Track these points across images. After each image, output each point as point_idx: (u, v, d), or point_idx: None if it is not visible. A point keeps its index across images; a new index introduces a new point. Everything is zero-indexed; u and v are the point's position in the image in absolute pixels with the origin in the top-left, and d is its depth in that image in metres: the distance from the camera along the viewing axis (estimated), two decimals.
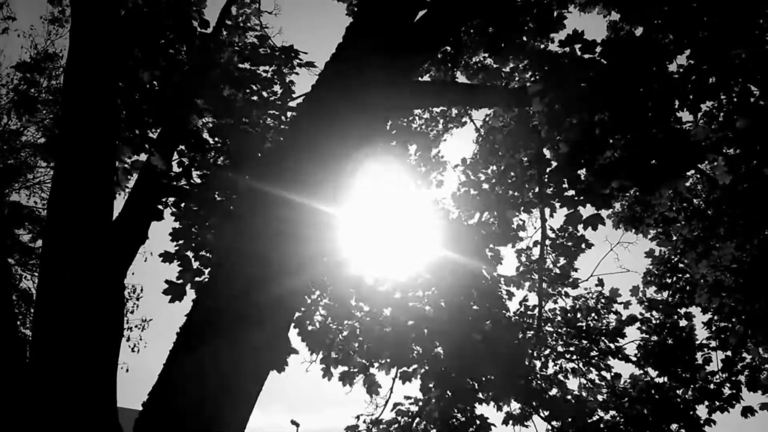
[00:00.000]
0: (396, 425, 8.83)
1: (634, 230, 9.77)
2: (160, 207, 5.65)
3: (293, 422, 31.54)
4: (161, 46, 5.75)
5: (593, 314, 9.79)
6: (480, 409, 8.49)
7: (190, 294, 5.19)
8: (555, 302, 9.90)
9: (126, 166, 5.66)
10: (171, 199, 5.75)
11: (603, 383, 9.61)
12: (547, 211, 8.55)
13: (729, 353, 8.98)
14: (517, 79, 8.85)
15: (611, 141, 5.02)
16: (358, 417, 9.09)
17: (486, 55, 8.76)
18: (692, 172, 8.11)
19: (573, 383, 9.61)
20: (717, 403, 8.70)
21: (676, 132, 4.95)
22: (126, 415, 3.96)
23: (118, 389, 4.21)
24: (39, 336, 4.07)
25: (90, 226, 4.34)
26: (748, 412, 8.74)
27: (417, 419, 8.74)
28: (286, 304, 4.21)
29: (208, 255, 5.54)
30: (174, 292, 5.09)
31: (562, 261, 9.28)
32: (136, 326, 15.42)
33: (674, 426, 8.66)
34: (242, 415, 3.91)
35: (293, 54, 6.32)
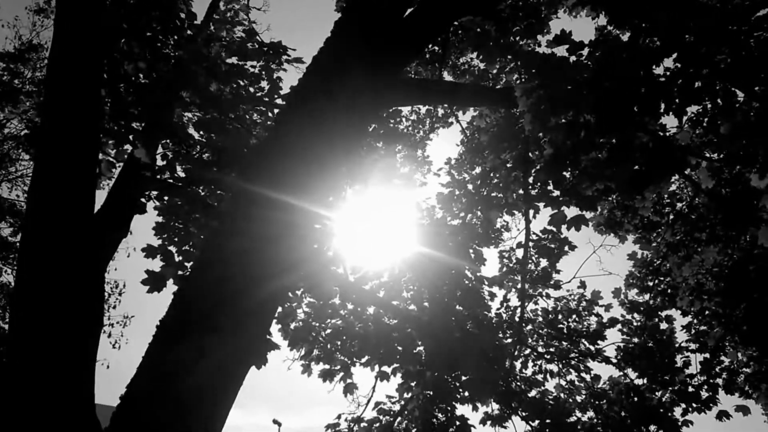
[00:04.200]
0: (377, 424, 8.81)
1: (613, 234, 9.84)
2: (143, 200, 5.61)
3: (275, 421, 31.43)
4: (148, 38, 5.69)
5: (574, 316, 9.83)
6: (460, 410, 8.48)
7: (171, 288, 5.13)
8: (536, 303, 9.93)
9: (109, 158, 5.60)
10: (154, 193, 5.71)
11: (582, 384, 9.66)
12: (531, 212, 8.58)
13: (708, 356, 9.05)
14: (504, 80, 8.88)
15: (596, 143, 5.04)
16: (339, 416, 9.08)
17: (473, 56, 8.78)
18: (676, 176, 8.18)
19: (552, 383, 9.65)
20: (694, 405, 8.75)
21: (660, 137, 4.98)
22: (106, 412, 3.90)
23: (98, 386, 4.15)
24: (14, 329, 4.00)
25: (70, 217, 4.27)
26: (723, 415, 8.81)
27: (399, 418, 8.73)
28: (271, 303, 4.19)
29: (191, 250, 5.49)
30: (153, 282, 5.02)
31: (544, 262, 9.31)
32: (117, 322, 15.31)
33: (652, 427, 8.70)
34: (222, 412, 3.88)
35: (281, 50, 6.31)
